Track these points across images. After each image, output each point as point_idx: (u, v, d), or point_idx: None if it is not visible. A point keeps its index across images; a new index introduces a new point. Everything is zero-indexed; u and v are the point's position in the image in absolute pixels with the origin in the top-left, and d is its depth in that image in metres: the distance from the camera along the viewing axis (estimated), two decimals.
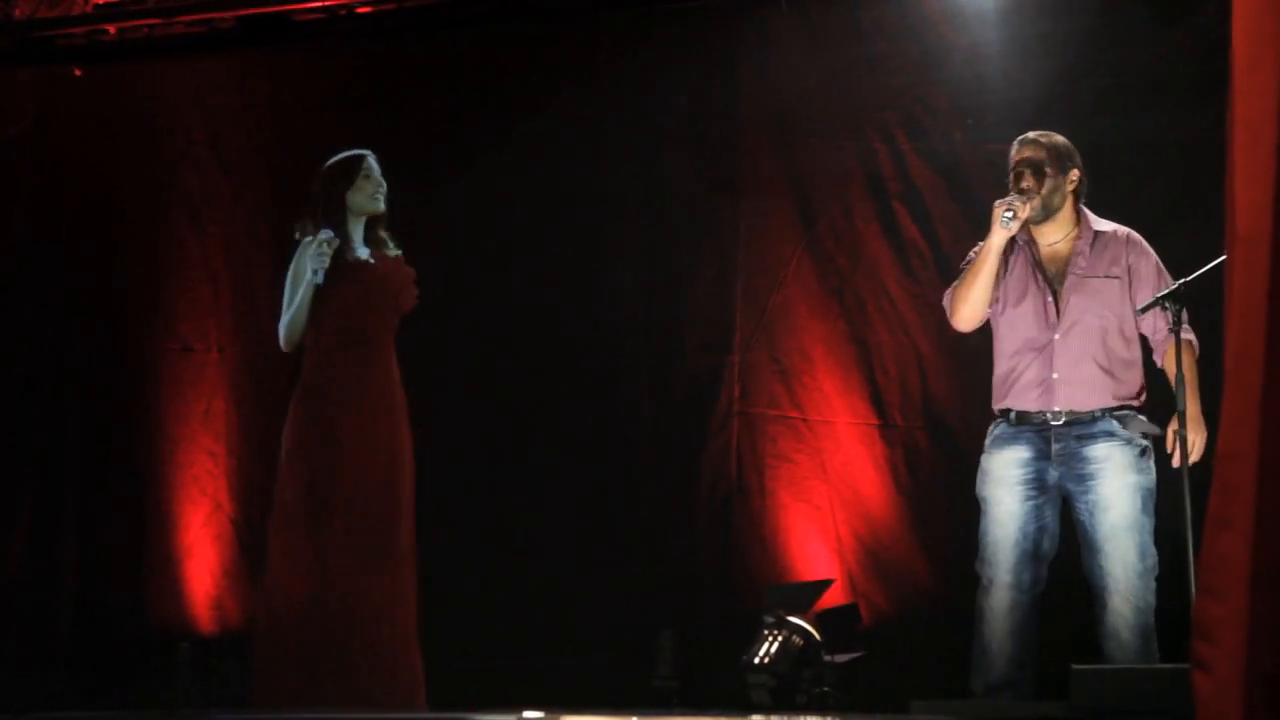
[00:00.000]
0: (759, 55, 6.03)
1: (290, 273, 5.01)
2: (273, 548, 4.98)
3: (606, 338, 6.12)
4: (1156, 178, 5.34)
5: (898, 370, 5.78)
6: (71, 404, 6.61)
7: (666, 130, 6.10)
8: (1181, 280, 4.37)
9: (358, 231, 5.06)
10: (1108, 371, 4.46)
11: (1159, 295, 4.40)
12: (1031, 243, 4.57)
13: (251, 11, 6.38)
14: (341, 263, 4.97)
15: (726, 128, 6.06)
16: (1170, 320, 4.35)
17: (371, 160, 5.07)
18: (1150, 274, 4.50)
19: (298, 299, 4.95)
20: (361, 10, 6.41)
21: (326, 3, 6.33)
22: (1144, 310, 4.44)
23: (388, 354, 5.02)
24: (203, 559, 6.37)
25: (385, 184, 5.07)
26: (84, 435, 6.59)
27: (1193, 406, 4.31)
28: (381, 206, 5.07)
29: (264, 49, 6.55)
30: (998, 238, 4.43)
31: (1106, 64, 5.50)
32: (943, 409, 5.68)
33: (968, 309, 4.52)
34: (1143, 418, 4.46)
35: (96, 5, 6.52)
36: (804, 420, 5.89)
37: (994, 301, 4.55)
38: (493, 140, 6.13)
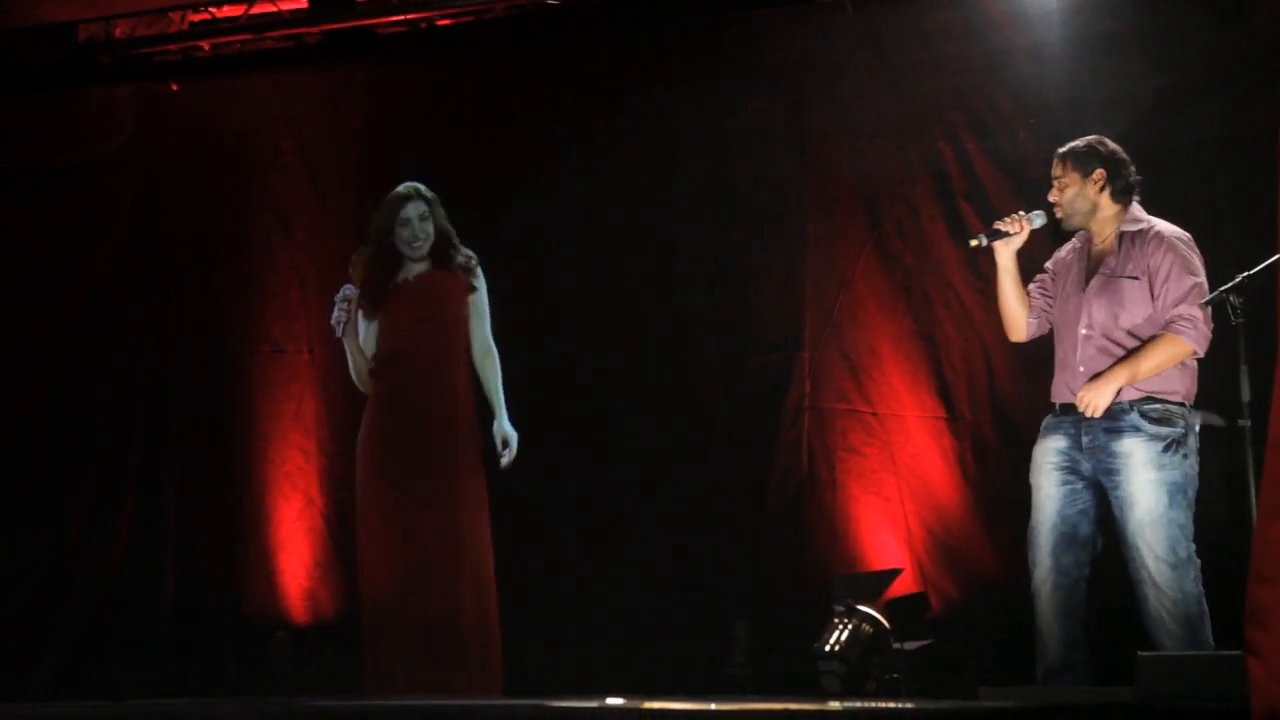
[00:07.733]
0: (825, 58, 6.10)
1: None
2: (360, 546, 5.20)
3: (680, 337, 6.22)
4: (1217, 175, 5.37)
5: (964, 365, 5.83)
6: (170, 405, 6.81)
7: (735, 133, 6.18)
8: (1244, 274, 4.43)
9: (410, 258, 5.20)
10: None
11: (1222, 289, 4.45)
12: (1089, 241, 4.67)
13: (337, 26, 6.57)
14: (391, 285, 5.15)
15: (793, 130, 6.13)
16: (1233, 314, 4.42)
17: (411, 209, 5.14)
18: (1171, 272, 4.49)
19: (348, 353, 5.21)
20: (441, 23, 6.60)
21: (408, 16, 6.53)
22: (1206, 304, 4.49)
23: (447, 366, 5.17)
24: (296, 552, 6.54)
25: (429, 233, 5.13)
26: (182, 435, 6.79)
27: None
28: (416, 254, 5.16)
29: (349, 62, 6.74)
30: (999, 258, 4.67)
31: (1167, 63, 5.51)
32: (1008, 403, 5.71)
33: (1007, 323, 4.79)
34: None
35: (191, 23, 6.73)
36: (873, 414, 5.95)
37: (1055, 298, 4.68)
38: (568, 147, 6.25)
